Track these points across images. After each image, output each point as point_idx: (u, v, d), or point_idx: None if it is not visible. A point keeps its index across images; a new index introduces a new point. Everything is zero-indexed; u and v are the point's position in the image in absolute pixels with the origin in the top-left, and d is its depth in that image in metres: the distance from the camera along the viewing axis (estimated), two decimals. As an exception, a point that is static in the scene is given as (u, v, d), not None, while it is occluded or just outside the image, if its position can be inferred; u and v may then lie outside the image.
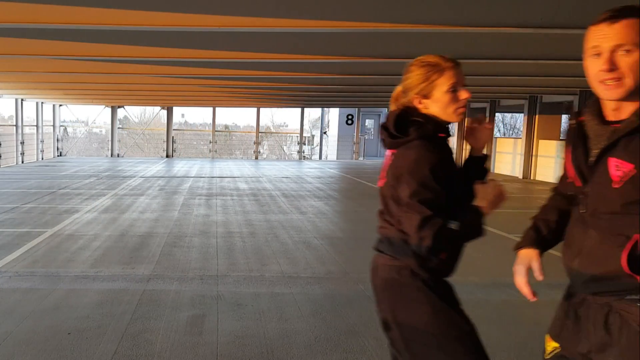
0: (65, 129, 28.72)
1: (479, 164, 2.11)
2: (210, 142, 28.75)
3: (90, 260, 5.99)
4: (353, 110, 30.05)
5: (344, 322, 4.20)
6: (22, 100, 22.24)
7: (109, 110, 27.30)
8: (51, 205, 10.05)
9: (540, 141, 18.49)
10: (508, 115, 38.87)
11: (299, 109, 28.92)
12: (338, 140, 31.11)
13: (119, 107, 27.44)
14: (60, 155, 26.70)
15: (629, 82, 1.48)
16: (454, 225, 1.82)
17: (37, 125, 24.12)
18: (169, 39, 7.81)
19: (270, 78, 13.07)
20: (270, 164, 24.36)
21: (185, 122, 40.28)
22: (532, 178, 18.54)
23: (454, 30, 6.80)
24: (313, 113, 36.60)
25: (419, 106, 1.96)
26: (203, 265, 5.79)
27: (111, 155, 26.86)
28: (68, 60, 9.66)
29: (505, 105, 21.57)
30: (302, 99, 22.49)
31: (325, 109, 32.69)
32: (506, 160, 20.59)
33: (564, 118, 22.13)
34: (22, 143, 22.06)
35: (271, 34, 7.29)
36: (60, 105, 26.77)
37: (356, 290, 5.02)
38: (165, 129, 28.15)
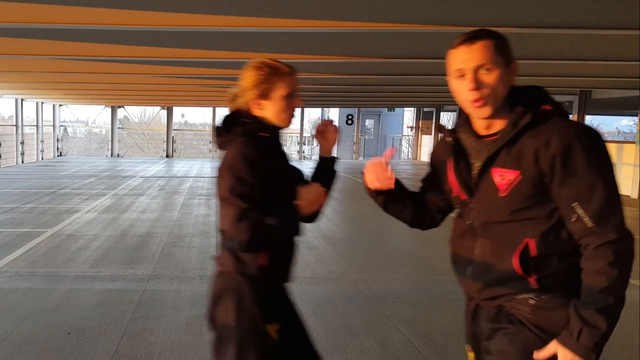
0: (65, 129, 28.72)
1: (328, 165, 2.18)
2: (210, 142, 28.75)
3: (90, 260, 5.99)
4: (353, 110, 30.06)
5: (344, 322, 4.20)
6: (22, 100, 22.23)
7: (109, 110, 27.30)
8: (51, 205, 10.05)
9: (540, 141, 18.48)
10: (508, 115, 38.87)
11: (299, 109, 28.89)
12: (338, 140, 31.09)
13: (119, 107, 27.44)
14: (60, 155, 26.70)
15: (492, 100, 1.56)
16: (270, 220, 1.83)
17: (37, 125, 24.12)
18: (169, 39, 7.81)
19: (270, 78, 13.05)
20: (270, 164, 24.33)
21: (185, 122, 40.24)
22: (532, 178, 18.54)
23: (454, 30, 6.80)
24: (313, 113, 36.60)
25: (255, 107, 1.98)
26: (203, 265, 5.79)
27: (111, 155, 26.86)
28: (68, 60, 9.65)
29: (505, 105, 21.55)
30: (302, 99, 22.44)
31: (325, 109, 32.68)
32: (506, 160, 20.58)
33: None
34: (22, 143, 22.06)
35: (271, 34, 7.29)
36: (60, 105, 26.77)
37: (356, 290, 5.02)
38: (165, 129, 28.16)
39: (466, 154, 1.68)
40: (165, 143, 27.81)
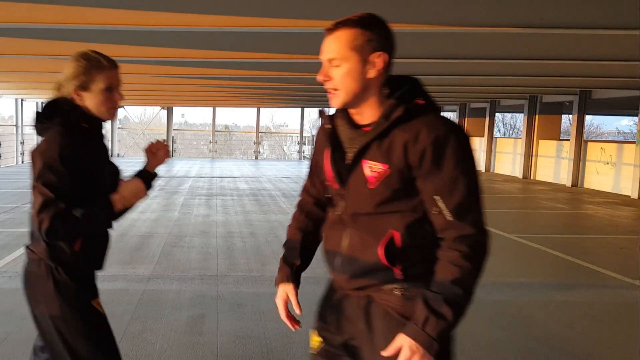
0: (65, 129, 28.70)
1: (148, 179, 2.18)
2: (210, 142, 28.77)
3: (90, 260, 5.99)
4: (353, 110, 29.99)
5: (344, 322, 4.19)
6: (22, 100, 22.23)
7: (109, 110, 27.25)
8: (51, 205, 10.05)
9: (540, 141, 18.49)
10: (508, 115, 38.89)
11: (299, 109, 28.93)
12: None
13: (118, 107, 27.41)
14: (60, 155, 26.68)
15: (342, 93, 1.57)
16: (77, 212, 1.84)
17: (37, 125, 24.11)
18: (169, 39, 7.81)
19: (270, 78, 13.07)
20: (270, 164, 24.36)
21: (185, 122, 40.28)
22: (532, 178, 18.54)
23: (454, 30, 6.80)
24: (313, 113, 36.60)
25: (76, 98, 1.99)
26: (203, 265, 5.79)
27: (111, 155, 26.84)
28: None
29: (505, 105, 21.57)
30: (302, 99, 22.48)
31: (325, 109, 32.66)
32: (506, 160, 20.59)
33: (564, 118, 22.14)
34: (22, 143, 22.05)
35: (271, 34, 7.29)
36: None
37: (356, 290, 5.02)
38: (165, 129, 28.16)
39: (341, 143, 1.66)
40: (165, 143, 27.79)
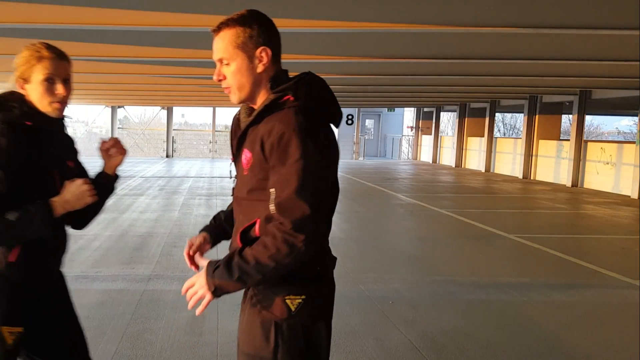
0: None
1: (107, 182, 2.08)
2: (210, 142, 28.76)
3: (90, 260, 5.99)
4: (353, 110, 30.04)
5: (344, 323, 4.19)
6: (22, 100, 22.21)
7: (109, 110, 27.29)
8: (51, 205, 10.05)
9: (540, 141, 18.49)
10: (508, 115, 38.88)
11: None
12: (338, 141, 31.01)
13: (119, 107, 27.44)
14: (60, 155, 26.67)
15: (236, 90, 1.65)
16: (11, 215, 1.76)
17: (37, 125, 24.11)
18: (169, 39, 7.81)
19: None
20: (270, 164, 24.32)
21: (185, 122, 40.23)
22: (532, 178, 18.54)
23: (454, 30, 6.80)
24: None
25: (22, 90, 1.89)
26: (203, 265, 5.77)
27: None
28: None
29: (505, 105, 21.57)
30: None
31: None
32: (506, 160, 20.59)
33: (564, 118, 22.14)
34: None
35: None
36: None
37: (356, 290, 5.02)
38: (165, 129, 28.16)
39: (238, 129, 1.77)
40: (165, 143, 27.81)
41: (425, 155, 28.36)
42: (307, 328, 1.74)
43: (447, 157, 25.35)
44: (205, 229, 1.98)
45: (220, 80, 1.67)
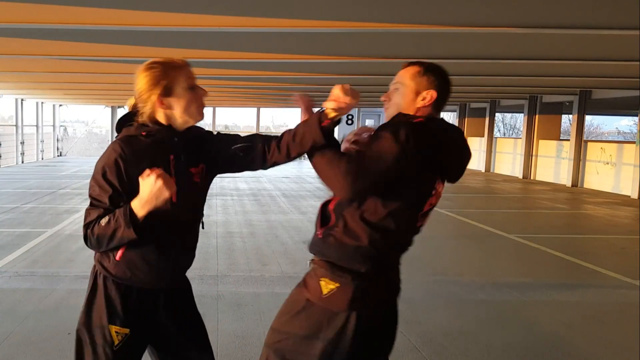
0: (65, 129, 28.71)
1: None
2: (210, 142, 28.68)
3: (91, 260, 5.99)
4: (353, 110, 30.04)
5: (344, 322, 4.19)
6: (22, 100, 22.23)
7: (109, 110, 27.27)
8: (51, 205, 10.05)
9: (540, 141, 18.48)
10: (508, 115, 38.87)
11: (299, 109, 28.88)
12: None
13: (119, 107, 27.41)
14: (60, 155, 26.69)
15: (391, 110, 2.03)
16: (103, 220, 1.81)
17: (37, 125, 24.11)
18: (169, 39, 7.80)
19: (270, 78, 13.06)
20: (270, 164, 24.30)
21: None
22: (532, 178, 18.53)
23: (454, 31, 6.80)
24: (313, 113, 36.60)
25: (161, 107, 1.87)
26: (203, 265, 5.79)
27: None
28: (68, 60, 9.65)
29: (505, 105, 21.56)
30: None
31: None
32: (506, 160, 20.58)
33: (564, 118, 22.13)
34: (22, 143, 22.06)
35: (271, 34, 7.29)
36: (60, 105, 26.75)
37: (356, 290, 5.02)
38: (165, 129, 28.09)
39: None
40: (165, 143, 27.76)
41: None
42: (333, 314, 1.85)
43: (447, 157, 25.31)
44: None
45: None
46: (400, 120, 1.90)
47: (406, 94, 1.93)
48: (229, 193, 12.50)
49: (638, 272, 5.94)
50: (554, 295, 5.10)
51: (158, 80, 1.86)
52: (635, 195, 13.49)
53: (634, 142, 14.63)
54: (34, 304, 4.50)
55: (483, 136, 21.76)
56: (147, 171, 1.75)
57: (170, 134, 1.89)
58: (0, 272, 5.47)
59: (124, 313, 1.90)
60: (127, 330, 1.90)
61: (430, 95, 1.91)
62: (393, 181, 1.81)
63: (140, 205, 1.78)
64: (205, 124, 35.75)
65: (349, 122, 30.22)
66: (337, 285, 1.85)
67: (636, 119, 16.19)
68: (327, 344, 1.85)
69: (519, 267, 6.25)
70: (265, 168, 1.97)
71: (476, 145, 22.71)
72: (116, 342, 1.89)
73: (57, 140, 26.48)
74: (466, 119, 23.55)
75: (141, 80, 1.86)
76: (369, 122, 33.71)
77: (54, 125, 26.14)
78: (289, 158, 1.92)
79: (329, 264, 1.88)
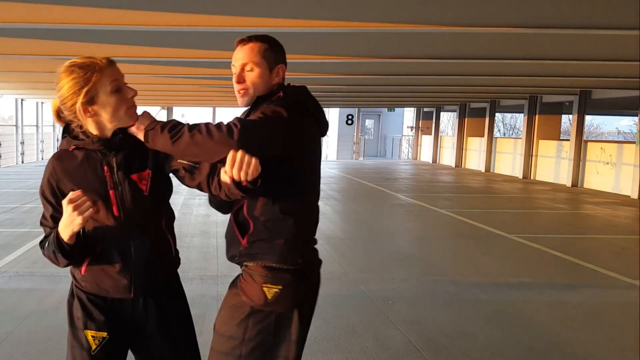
0: (65, 129, 28.67)
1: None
2: (210, 142, 28.66)
3: (90, 260, 5.99)
4: (353, 110, 30.05)
5: (344, 322, 4.20)
6: (22, 100, 22.23)
7: (109, 110, 27.22)
8: (51, 205, 10.04)
9: (540, 141, 18.48)
10: (508, 115, 38.87)
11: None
12: (338, 140, 31.12)
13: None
14: (60, 155, 26.65)
15: (252, 92, 1.93)
16: (45, 241, 1.83)
17: (37, 125, 24.12)
18: (169, 39, 7.81)
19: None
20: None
21: (186, 122, 40.22)
22: (532, 178, 18.53)
23: (454, 30, 6.80)
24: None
25: (86, 115, 1.77)
26: (203, 265, 5.79)
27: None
28: (68, 60, 9.65)
29: (505, 105, 21.56)
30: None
31: (325, 108, 32.65)
32: (506, 160, 20.58)
33: (564, 118, 22.13)
34: (22, 143, 22.05)
35: (271, 35, 7.29)
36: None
37: (356, 290, 5.02)
38: (165, 129, 28.08)
39: None
40: (165, 143, 27.73)
41: (425, 155, 28.35)
42: (281, 316, 1.88)
43: (447, 157, 25.35)
44: None
45: (239, 82, 1.95)
46: (270, 103, 1.89)
47: (263, 72, 1.93)
48: (229, 193, 12.49)
49: (638, 272, 5.94)
50: (554, 295, 5.10)
51: (80, 87, 1.73)
52: (635, 195, 13.49)
53: (634, 142, 14.62)
54: (34, 304, 4.50)
55: (483, 136, 21.76)
56: (70, 194, 1.70)
57: (100, 145, 1.81)
58: (0, 272, 5.47)
59: (99, 318, 1.88)
60: (104, 334, 1.87)
61: (282, 69, 1.99)
62: (283, 152, 1.81)
63: (62, 230, 1.74)
64: (205, 124, 35.73)
65: (349, 122, 30.23)
66: (280, 287, 1.85)
67: (636, 119, 16.20)
68: (281, 343, 1.89)
69: (519, 267, 6.25)
70: (214, 197, 1.94)
71: (476, 145, 22.72)
72: (93, 347, 1.86)
73: (57, 140, 26.46)
74: (466, 119, 23.55)
75: (63, 85, 1.75)
76: (369, 122, 33.72)
77: (54, 125, 26.12)
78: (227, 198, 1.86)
79: (267, 268, 1.85)
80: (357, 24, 6.47)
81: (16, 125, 22.11)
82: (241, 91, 1.93)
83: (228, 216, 2.03)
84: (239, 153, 1.64)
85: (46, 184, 1.85)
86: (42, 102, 24.05)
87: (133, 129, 1.82)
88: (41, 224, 1.89)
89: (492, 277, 5.69)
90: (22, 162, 21.80)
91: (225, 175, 1.68)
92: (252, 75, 1.91)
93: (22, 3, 5.78)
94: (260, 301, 1.86)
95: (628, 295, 5.19)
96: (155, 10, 6.14)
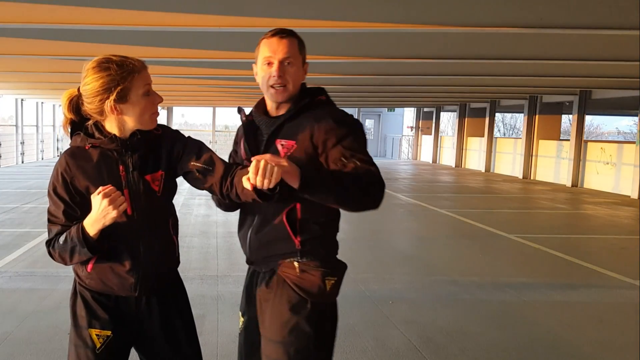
0: (65, 129, 28.67)
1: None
2: (210, 142, 28.74)
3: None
4: (353, 110, 30.02)
5: (344, 323, 4.18)
6: (22, 100, 22.23)
7: (109, 110, 27.22)
8: (51, 205, 10.05)
9: (540, 141, 18.48)
10: (508, 115, 38.87)
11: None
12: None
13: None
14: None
15: (291, 87, 1.91)
16: (61, 238, 1.83)
17: (37, 125, 24.12)
18: (169, 39, 7.81)
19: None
20: (270, 164, 24.29)
21: (185, 122, 40.27)
22: (532, 178, 18.53)
23: (454, 30, 6.80)
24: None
25: (112, 114, 1.78)
26: (203, 265, 5.79)
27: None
28: (68, 60, 9.65)
29: (505, 105, 21.56)
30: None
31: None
32: (506, 160, 20.59)
33: (564, 118, 22.14)
34: (22, 143, 22.04)
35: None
36: (61, 105, 26.76)
37: (356, 290, 5.02)
38: (165, 129, 28.09)
39: (257, 130, 1.98)
40: (165, 143, 27.74)
41: (425, 155, 28.35)
42: (332, 305, 2.00)
43: (447, 157, 25.35)
44: None
45: (280, 77, 1.89)
46: (336, 112, 1.95)
47: (300, 68, 1.94)
48: (229, 193, 12.50)
49: (638, 272, 5.94)
50: (554, 295, 5.10)
51: (115, 84, 1.74)
52: (635, 195, 13.49)
53: (634, 142, 14.62)
54: (34, 304, 4.50)
55: (483, 136, 21.76)
56: (100, 188, 1.71)
57: (118, 145, 1.82)
58: (0, 272, 5.47)
59: (103, 316, 1.89)
60: (108, 332, 1.88)
61: (307, 68, 1.99)
62: None
63: (90, 224, 1.76)
64: (206, 124, 35.68)
65: (349, 122, 30.18)
66: (336, 278, 1.96)
67: (636, 119, 16.19)
68: (332, 332, 2.02)
69: (519, 267, 6.26)
70: (224, 198, 1.92)
71: (476, 145, 22.72)
72: (98, 346, 1.87)
73: (57, 140, 26.47)
74: (466, 119, 23.55)
75: (93, 80, 1.77)
76: (369, 122, 33.72)
77: (54, 125, 26.13)
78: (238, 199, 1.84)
79: (323, 262, 1.94)
80: (357, 24, 6.47)
81: (16, 125, 22.10)
82: (280, 87, 1.89)
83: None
84: (262, 162, 1.64)
85: (59, 180, 1.85)
86: (42, 102, 24.05)
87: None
88: (49, 221, 1.88)
89: (492, 277, 5.69)
90: (22, 162, 21.80)
91: (247, 183, 1.68)
92: (292, 71, 1.90)
93: (22, 3, 5.78)
94: (321, 293, 1.92)
95: (628, 295, 5.19)
96: (155, 11, 6.15)
